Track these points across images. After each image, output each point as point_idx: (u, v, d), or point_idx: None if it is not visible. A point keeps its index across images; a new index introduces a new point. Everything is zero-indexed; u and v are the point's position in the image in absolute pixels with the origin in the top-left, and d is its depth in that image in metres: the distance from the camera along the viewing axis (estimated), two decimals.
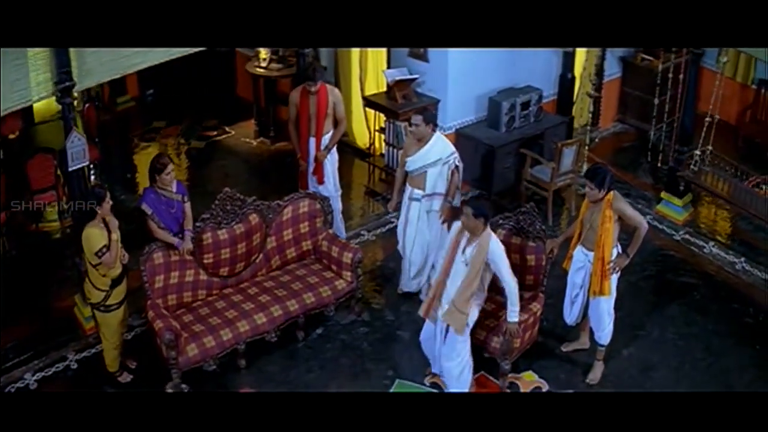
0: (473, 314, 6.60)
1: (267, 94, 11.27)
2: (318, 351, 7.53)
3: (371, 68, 10.32)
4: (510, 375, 7.09)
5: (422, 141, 7.55)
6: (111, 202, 6.54)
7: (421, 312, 6.84)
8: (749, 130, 11.05)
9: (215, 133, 11.68)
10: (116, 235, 6.55)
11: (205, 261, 7.38)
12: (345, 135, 9.64)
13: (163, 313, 6.88)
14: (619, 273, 6.83)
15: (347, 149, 10.33)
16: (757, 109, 11.10)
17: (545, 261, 7.18)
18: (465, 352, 6.72)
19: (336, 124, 8.51)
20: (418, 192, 7.72)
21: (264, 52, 11.00)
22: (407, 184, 7.84)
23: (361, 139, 10.77)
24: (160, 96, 12.53)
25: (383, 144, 10.27)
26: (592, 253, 6.76)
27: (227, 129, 11.78)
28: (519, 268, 7.26)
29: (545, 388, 7.12)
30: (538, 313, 7.19)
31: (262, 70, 11.02)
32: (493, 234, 6.53)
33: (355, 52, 10.20)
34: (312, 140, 8.46)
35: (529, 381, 7.20)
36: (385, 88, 10.01)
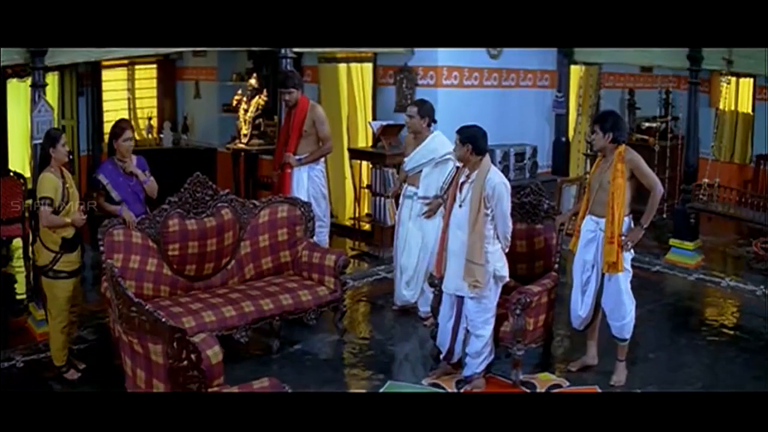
0: (498, 261, 5.67)
1: (247, 172, 10.77)
2: (295, 361, 6.44)
3: (361, 126, 9.97)
4: (524, 375, 6.05)
5: (418, 138, 7.08)
6: (67, 147, 5.86)
7: (433, 270, 6.02)
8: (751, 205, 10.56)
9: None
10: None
11: (170, 253, 6.49)
12: (334, 216, 9.05)
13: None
14: (632, 253, 5.96)
15: (332, 228, 9.52)
16: (757, 184, 10.77)
17: (555, 238, 6.37)
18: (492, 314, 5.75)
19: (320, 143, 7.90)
20: (411, 188, 7.16)
21: (245, 128, 10.62)
22: (405, 184, 7.31)
23: (345, 215, 10.22)
24: None
25: (369, 199, 9.64)
26: (603, 220, 5.85)
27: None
28: (527, 255, 6.47)
29: (566, 384, 6.04)
30: (552, 293, 6.24)
31: (242, 145, 10.59)
32: (493, 166, 5.76)
33: (344, 115, 9.87)
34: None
35: (545, 380, 6.11)
36: (371, 143, 9.57)
